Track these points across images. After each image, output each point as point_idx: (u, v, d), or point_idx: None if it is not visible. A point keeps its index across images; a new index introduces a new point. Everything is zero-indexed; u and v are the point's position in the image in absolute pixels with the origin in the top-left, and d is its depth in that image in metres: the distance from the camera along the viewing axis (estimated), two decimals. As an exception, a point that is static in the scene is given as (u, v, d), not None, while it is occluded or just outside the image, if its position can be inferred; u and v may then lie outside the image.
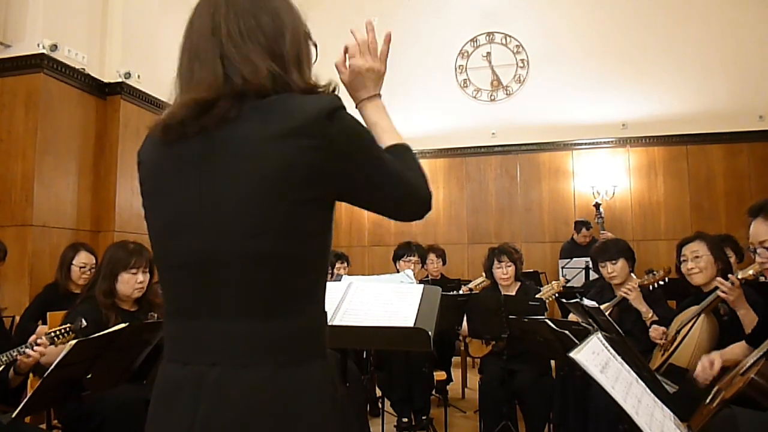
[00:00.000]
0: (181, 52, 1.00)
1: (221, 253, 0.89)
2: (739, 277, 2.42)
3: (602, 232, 6.13)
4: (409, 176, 0.99)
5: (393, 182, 0.96)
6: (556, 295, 3.74)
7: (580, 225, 6.19)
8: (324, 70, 1.04)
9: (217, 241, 0.90)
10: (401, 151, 1.04)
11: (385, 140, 1.06)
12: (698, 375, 2.18)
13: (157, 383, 0.97)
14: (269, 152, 0.87)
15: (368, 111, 1.13)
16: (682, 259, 2.79)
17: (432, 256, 4.85)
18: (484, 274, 3.94)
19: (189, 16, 1.02)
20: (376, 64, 1.13)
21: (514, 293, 3.60)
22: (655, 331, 2.81)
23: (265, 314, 0.90)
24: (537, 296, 3.49)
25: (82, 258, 3.55)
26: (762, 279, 2.49)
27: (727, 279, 2.45)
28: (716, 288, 2.49)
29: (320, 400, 0.91)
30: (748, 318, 2.39)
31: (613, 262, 3.16)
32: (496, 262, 3.62)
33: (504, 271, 3.59)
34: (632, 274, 3.25)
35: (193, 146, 0.92)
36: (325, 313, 0.97)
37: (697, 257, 2.71)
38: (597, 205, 6.41)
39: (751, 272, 2.38)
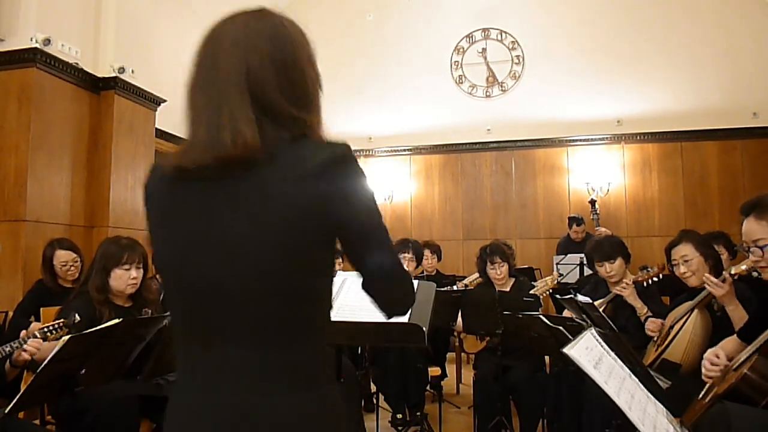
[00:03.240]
0: (197, 89, 0.96)
1: (235, 288, 0.92)
2: (732, 272, 2.42)
3: (597, 228, 6.15)
4: (402, 268, 1.02)
5: (384, 249, 0.99)
6: (551, 291, 3.74)
7: (571, 221, 6.23)
8: (321, 66, 1.03)
9: (231, 276, 0.91)
10: None
11: None
12: (707, 375, 2.11)
13: (172, 413, 0.98)
14: (282, 196, 0.89)
15: None
16: (673, 263, 2.80)
17: (427, 252, 4.85)
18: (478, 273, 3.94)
19: (208, 43, 0.98)
20: None
21: (508, 289, 3.61)
22: (653, 324, 2.83)
23: (275, 345, 0.92)
24: (531, 292, 3.49)
25: (61, 257, 3.53)
26: (755, 275, 2.49)
27: (719, 274, 2.46)
28: (707, 286, 2.51)
29: (334, 421, 0.96)
30: (737, 314, 2.40)
31: (611, 261, 3.16)
32: (489, 263, 3.62)
33: (498, 272, 3.60)
34: (627, 271, 3.26)
35: (211, 184, 0.93)
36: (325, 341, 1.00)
37: (687, 261, 2.71)
38: (592, 202, 6.43)
39: (743, 268, 2.39)
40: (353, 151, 0.95)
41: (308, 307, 0.95)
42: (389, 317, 1.05)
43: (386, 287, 1.02)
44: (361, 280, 1.01)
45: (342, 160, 0.92)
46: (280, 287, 0.91)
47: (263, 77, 0.93)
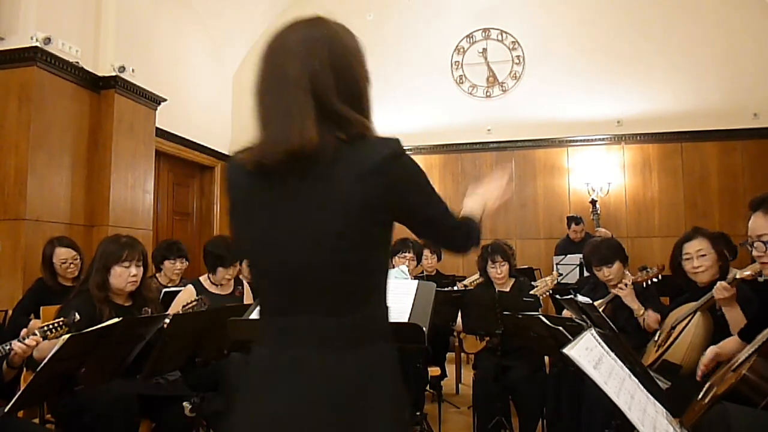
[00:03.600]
0: (266, 92, 1.11)
1: (311, 263, 1.08)
2: (737, 277, 2.41)
3: (597, 229, 6.14)
4: (454, 229, 1.23)
5: (442, 218, 1.19)
6: (551, 291, 3.74)
7: (569, 220, 6.24)
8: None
9: (307, 253, 1.08)
10: (469, 218, 1.30)
11: (467, 209, 1.35)
12: (703, 373, 2.16)
13: (252, 366, 1.16)
14: (350, 188, 1.05)
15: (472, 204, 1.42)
16: (685, 257, 2.76)
17: (427, 252, 4.85)
18: (478, 272, 3.93)
19: (271, 51, 1.12)
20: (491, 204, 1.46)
21: (508, 289, 3.61)
22: (650, 317, 2.85)
23: (345, 308, 1.10)
24: (531, 292, 3.49)
25: (61, 254, 3.53)
26: (760, 279, 2.48)
27: (726, 275, 2.46)
28: (713, 285, 2.50)
29: (391, 371, 1.16)
30: (732, 316, 2.40)
31: (609, 265, 3.16)
32: (490, 262, 3.62)
33: (498, 271, 3.59)
34: (626, 272, 3.26)
35: (286, 178, 1.08)
36: (387, 303, 1.18)
37: (702, 255, 2.69)
38: (593, 202, 6.42)
39: (748, 273, 2.37)
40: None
41: (369, 278, 1.13)
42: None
43: (457, 250, 1.28)
44: (425, 241, 1.28)
45: (395, 156, 1.08)
46: (344, 262, 1.08)
47: (324, 82, 1.07)
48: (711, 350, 2.19)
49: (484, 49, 7.40)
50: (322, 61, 1.07)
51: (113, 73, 4.83)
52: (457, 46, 7.45)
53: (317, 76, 1.06)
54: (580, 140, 6.98)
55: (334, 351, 1.08)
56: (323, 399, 1.06)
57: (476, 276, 4.36)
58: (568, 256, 5.57)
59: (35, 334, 2.19)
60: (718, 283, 2.46)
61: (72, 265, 3.55)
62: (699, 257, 2.70)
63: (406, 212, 1.14)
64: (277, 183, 1.09)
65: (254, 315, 1.74)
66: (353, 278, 1.10)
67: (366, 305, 1.12)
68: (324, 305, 1.09)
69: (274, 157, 1.05)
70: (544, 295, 3.67)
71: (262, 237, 1.13)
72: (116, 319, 2.17)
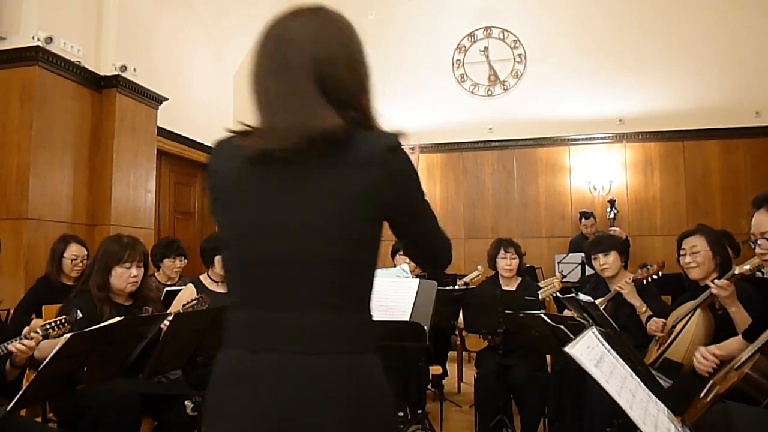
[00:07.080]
0: (268, 78, 1.05)
1: (303, 255, 1.01)
2: (736, 272, 2.41)
3: (611, 228, 6.12)
4: (443, 233, 1.21)
5: (431, 225, 1.17)
6: (556, 294, 3.73)
7: (580, 215, 6.30)
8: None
9: (301, 245, 1.01)
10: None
11: None
12: (699, 368, 2.14)
13: (222, 370, 1.04)
14: (347, 179, 1.00)
15: None
16: (681, 252, 2.80)
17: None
18: (486, 264, 3.86)
19: (272, 36, 1.08)
20: None
21: (514, 288, 3.61)
22: (655, 324, 2.82)
23: (336, 308, 1.02)
24: (539, 293, 3.49)
25: (73, 250, 3.52)
26: (759, 274, 2.47)
27: (725, 274, 2.45)
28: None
29: (381, 384, 1.04)
30: (739, 316, 2.39)
31: (605, 254, 3.18)
32: (502, 250, 3.62)
33: (508, 262, 3.60)
34: (625, 271, 3.26)
35: (280, 166, 1.02)
36: (371, 312, 1.10)
37: (695, 252, 2.71)
38: (612, 201, 6.38)
39: (747, 267, 2.37)
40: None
41: (361, 278, 1.06)
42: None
43: (430, 259, 1.24)
44: (406, 248, 1.23)
45: (393, 150, 1.04)
46: (340, 257, 1.01)
47: (329, 69, 1.03)
48: (704, 351, 2.17)
49: (486, 48, 7.39)
50: (328, 50, 1.03)
51: (115, 73, 4.83)
52: (458, 44, 7.45)
53: (322, 64, 1.02)
54: (582, 139, 6.97)
55: (320, 355, 0.99)
56: (311, 406, 0.97)
57: (476, 273, 4.36)
58: (570, 254, 5.56)
59: (37, 332, 2.19)
60: (714, 280, 2.46)
61: (80, 264, 3.55)
62: (691, 254, 2.73)
63: (397, 210, 1.08)
64: (275, 172, 1.03)
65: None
66: (345, 275, 1.02)
67: (357, 308, 1.05)
68: (312, 302, 1.01)
69: (287, 145, 0.98)
70: (549, 298, 3.65)
71: (249, 223, 1.05)
72: (118, 318, 2.18)
